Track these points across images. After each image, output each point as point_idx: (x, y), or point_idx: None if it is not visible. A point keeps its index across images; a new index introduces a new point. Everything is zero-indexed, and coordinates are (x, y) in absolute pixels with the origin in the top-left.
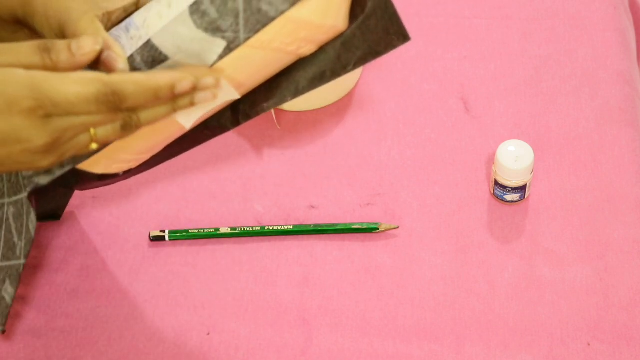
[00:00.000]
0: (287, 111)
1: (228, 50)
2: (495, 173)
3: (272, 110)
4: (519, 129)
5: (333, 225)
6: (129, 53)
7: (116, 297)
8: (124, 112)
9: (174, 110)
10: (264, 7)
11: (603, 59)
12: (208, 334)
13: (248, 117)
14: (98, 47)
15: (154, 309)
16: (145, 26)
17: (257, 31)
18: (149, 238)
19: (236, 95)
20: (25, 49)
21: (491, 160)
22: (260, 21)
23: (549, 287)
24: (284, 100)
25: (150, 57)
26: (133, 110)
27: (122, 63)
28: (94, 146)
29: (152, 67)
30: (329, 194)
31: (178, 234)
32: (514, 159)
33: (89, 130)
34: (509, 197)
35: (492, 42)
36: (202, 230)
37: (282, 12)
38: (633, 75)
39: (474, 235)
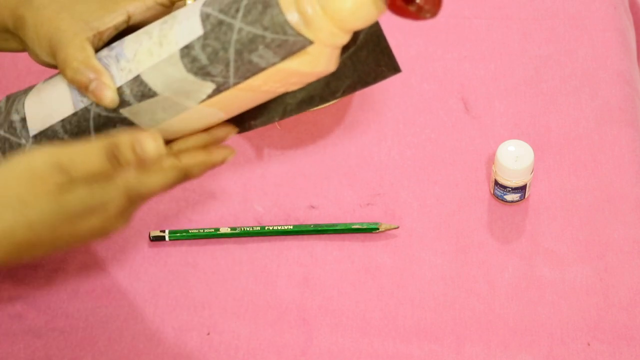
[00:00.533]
0: None
1: (217, 91)
2: (495, 173)
3: None
4: (519, 129)
5: (333, 225)
6: (118, 84)
7: (116, 297)
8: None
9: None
10: (255, 59)
11: (603, 59)
12: (208, 334)
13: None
14: (160, 149)
15: (154, 309)
16: (136, 60)
17: (247, 78)
18: (149, 238)
19: (222, 118)
20: (95, 158)
21: (491, 160)
22: (250, 70)
23: (549, 287)
24: (271, 120)
25: (140, 92)
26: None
27: (111, 93)
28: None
29: (140, 101)
30: (329, 194)
31: (178, 234)
32: (514, 159)
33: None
34: (509, 197)
35: (492, 42)
36: (202, 230)
37: (273, 65)
38: (633, 75)
39: (474, 235)
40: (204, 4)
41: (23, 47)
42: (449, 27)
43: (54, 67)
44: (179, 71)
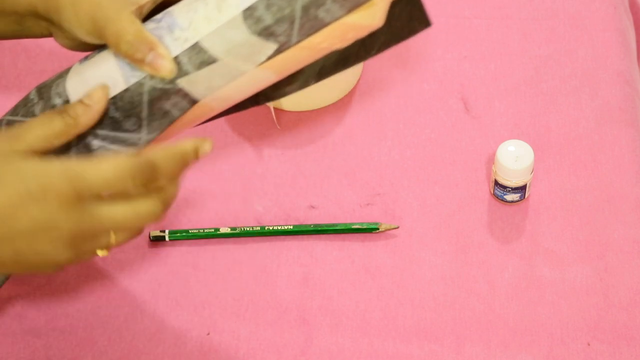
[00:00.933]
0: (287, 111)
1: (277, 52)
2: (495, 173)
3: (272, 110)
4: (519, 129)
5: (333, 225)
6: (174, 54)
7: (116, 297)
8: (156, 189)
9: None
10: (321, 14)
11: (603, 59)
12: (208, 334)
13: (268, 99)
14: (107, 91)
15: (154, 309)
16: (192, 28)
17: (309, 35)
18: (149, 238)
19: (272, 81)
20: (44, 119)
21: (491, 160)
22: (314, 26)
23: (549, 287)
24: (307, 84)
25: (199, 60)
26: (166, 180)
27: (168, 63)
28: (104, 253)
29: (199, 69)
30: (329, 194)
31: (178, 234)
32: (514, 159)
33: (109, 234)
34: (509, 197)
35: (492, 42)
36: (202, 231)
37: (337, 19)
38: (633, 75)
39: (474, 235)
40: None
41: (49, 32)
42: (449, 27)
43: (88, 49)
44: (242, 33)
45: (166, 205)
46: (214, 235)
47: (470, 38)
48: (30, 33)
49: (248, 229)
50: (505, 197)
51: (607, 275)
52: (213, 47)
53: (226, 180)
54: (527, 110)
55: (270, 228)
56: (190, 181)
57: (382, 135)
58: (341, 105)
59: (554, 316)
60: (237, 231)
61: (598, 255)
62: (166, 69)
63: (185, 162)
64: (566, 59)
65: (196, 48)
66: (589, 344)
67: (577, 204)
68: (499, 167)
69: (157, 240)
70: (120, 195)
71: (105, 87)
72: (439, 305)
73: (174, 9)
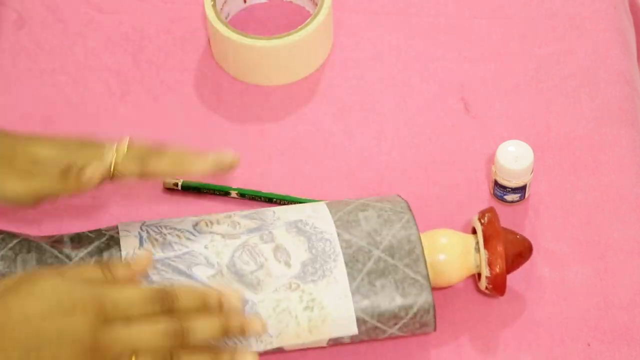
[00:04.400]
0: (287, 110)
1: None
2: (495, 173)
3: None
4: (519, 129)
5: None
6: (256, 349)
7: None
8: (176, 320)
9: (226, 333)
10: (380, 336)
11: (603, 59)
12: None
13: None
14: (151, 260)
15: None
16: (280, 338)
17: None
18: (162, 186)
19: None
20: (89, 268)
21: (491, 160)
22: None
23: (549, 287)
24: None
25: (273, 351)
26: (184, 315)
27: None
28: None
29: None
30: (329, 194)
31: (191, 185)
32: (514, 159)
33: (131, 356)
34: (509, 197)
35: (492, 42)
36: (213, 190)
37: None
38: (633, 75)
39: None
40: (359, 309)
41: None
42: (449, 27)
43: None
44: (319, 345)
45: (176, 338)
46: (224, 190)
47: (470, 38)
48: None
49: (259, 192)
50: (505, 197)
51: (607, 275)
52: (291, 347)
53: (226, 181)
54: (527, 110)
55: (283, 195)
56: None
57: (382, 135)
58: (341, 105)
59: (554, 316)
60: (247, 194)
61: (598, 255)
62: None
63: (205, 303)
64: (566, 59)
65: (278, 349)
66: (589, 344)
67: (577, 204)
68: (499, 167)
69: (171, 190)
70: (142, 317)
71: (149, 256)
72: (440, 306)
73: (262, 313)
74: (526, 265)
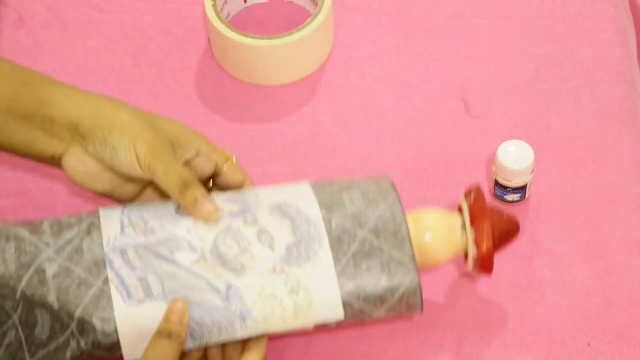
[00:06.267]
0: (287, 110)
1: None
2: (495, 173)
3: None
4: (519, 129)
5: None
6: (240, 335)
7: None
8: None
9: None
10: (367, 319)
11: (603, 59)
12: None
13: None
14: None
15: None
16: (266, 323)
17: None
18: None
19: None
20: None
21: (491, 160)
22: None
23: (549, 287)
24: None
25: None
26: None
27: (212, 206)
28: None
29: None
30: None
31: None
32: (514, 159)
33: None
34: (509, 197)
35: (492, 42)
36: None
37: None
38: (633, 75)
39: None
40: (344, 291)
41: (59, 151)
42: (449, 27)
43: (97, 180)
44: (305, 328)
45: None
46: None
47: (470, 38)
48: (36, 148)
49: None
50: (505, 197)
51: (607, 275)
52: (276, 332)
53: None
54: (527, 110)
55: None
56: None
57: (382, 135)
58: (342, 105)
59: (554, 316)
60: None
61: (598, 255)
62: (210, 214)
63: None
64: (566, 59)
65: (263, 333)
66: (589, 344)
67: (577, 204)
68: (499, 167)
69: None
70: None
71: (185, 304)
72: (439, 305)
73: (246, 294)
74: (526, 265)
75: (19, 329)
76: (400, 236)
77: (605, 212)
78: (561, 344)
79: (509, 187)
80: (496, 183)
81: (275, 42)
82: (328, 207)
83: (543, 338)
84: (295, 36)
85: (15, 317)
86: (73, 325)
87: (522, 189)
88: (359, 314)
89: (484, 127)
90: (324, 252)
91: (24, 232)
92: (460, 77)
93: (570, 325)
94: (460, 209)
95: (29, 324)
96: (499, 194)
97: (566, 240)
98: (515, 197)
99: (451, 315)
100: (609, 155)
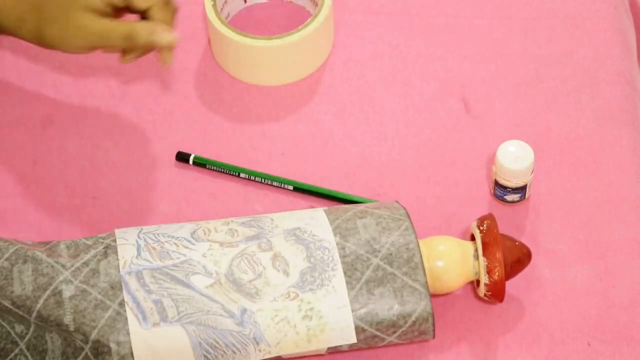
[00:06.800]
0: (287, 110)
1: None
2: (495, 173)
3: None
4: (519, 129)
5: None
6: (254, 359)
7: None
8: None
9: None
10: (379, 344)
11: (603, 59)
12: None
13: None
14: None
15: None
16: (278, 347)
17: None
18: (175, 157)
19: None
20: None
21: (491, 160)
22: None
23: (549, 287)
24: None
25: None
26: None
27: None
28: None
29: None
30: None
31: (202, 161)
32: (514, 159)
33: None
34: (509, 197)
35: (492, 42)
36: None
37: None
38: (633, 75)
39: None
40: (357, 317)
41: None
42: (449, 27)
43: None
44: (318, 352)
45: None
46: (235, 170)
47: (470, 38)
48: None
49: (268, 176)
50: (505, 197)
51: (607, 275)
52: (290, 355)
53: (226, 180)
54: (527, 110)
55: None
56: (191, 181)
57: (382, 135)
58: (342, 105)
59: (554, 316)
60: (256, 176)
61: (598, 255)
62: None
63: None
64: (566, 59)
65: (277, 358)
66: (589, 344)
67: (577, 204)
68: (499, 167)
69: (182, 161)
70: None
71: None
72: (439, 305)
73: (259, 319)
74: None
75: (28, 356)
76: (413, 263)
77: (605, 212)
78: (561, 344)
79: (509, 187)
80: (496, 183)
81: (275, 42)
82: (342, 233)
83: (543, 338)
84: (295, 36)
85: (23, 345)
86: (87, 348)
87: (522, 189)
88: (371, 339)
89: (484, 127)
90: (338, 279)
91: (40, 254)
92: (460, 77)
93: (570, 325)
94: (473, 238)
95: (37, 350)
96: (499, 194)
97: (566, 240)
98: (515, 197)
99: (451, 315)
100: (609, 155)
